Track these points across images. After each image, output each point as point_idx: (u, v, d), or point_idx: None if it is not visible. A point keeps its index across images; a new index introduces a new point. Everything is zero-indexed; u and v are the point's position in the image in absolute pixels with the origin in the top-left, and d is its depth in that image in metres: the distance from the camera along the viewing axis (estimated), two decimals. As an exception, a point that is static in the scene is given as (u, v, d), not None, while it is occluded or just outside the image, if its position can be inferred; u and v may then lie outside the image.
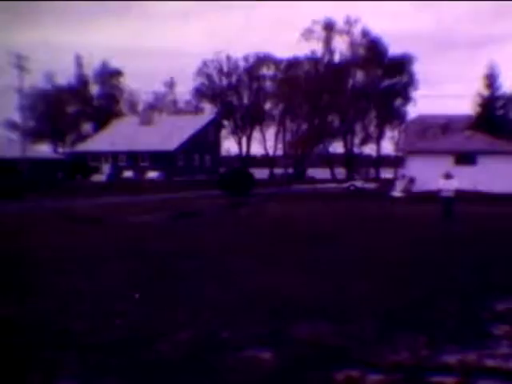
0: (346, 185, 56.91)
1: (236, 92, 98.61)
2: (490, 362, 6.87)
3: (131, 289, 10.46)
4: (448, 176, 25.73)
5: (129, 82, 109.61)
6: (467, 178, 37.56)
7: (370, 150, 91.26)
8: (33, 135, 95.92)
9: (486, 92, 63.96)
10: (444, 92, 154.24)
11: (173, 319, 8.59)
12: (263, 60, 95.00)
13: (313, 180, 76.21)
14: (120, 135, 78.13)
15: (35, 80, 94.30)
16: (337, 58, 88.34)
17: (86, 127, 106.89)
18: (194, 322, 8.40)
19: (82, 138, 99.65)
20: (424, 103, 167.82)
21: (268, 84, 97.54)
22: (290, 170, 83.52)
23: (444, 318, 8.68)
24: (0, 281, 11.43)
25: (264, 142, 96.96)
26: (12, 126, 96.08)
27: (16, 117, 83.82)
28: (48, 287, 10.83)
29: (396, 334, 7.84)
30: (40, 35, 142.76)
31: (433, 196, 29.30)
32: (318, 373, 6.47)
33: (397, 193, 46.98)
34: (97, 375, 6.42)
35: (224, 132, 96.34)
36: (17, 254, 14.77)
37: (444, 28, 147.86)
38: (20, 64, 53.34)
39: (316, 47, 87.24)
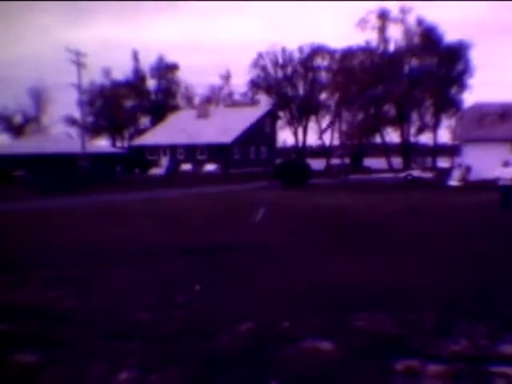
0: (402, 174, 56.38)
1: (291, 83, 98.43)
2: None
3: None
4: (506, 164, 25.35)
5: (185, 76, 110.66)
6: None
7: (426, 138, 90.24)
8: (91, 130, 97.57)
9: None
10: (501, 79, 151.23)
11: (233, 310, 8.74)
12: (318, 51, 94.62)
13: (369, 170, 75.70)
14: (177, 128, 78.73)
15: (93, 76, 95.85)
16: (392, 47, 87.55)
17: (144, 121, 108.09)
18: (254, 313, 8.54)
19: (140, 132, 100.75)
20: (481, 91, 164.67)
21: (323, 75, 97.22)
22: (347, 161, 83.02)
23: (503, 308, 8.66)
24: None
25: (320, 133, 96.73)
26: (71, 121, 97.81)
27: (75, 112, 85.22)
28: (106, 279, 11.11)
29: (455, 324, 7.86)
30: (97, 32, 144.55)
31: (490, 185, 28.93)
32: (378, 363, 6.54)
33: (454, 182, 46.47)
34: (159, 366, 6.56)
35: (280, 123, 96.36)
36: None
37: (501, 14, 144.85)
38: (78, 60, 54.10)
39: (370, 37, 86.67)
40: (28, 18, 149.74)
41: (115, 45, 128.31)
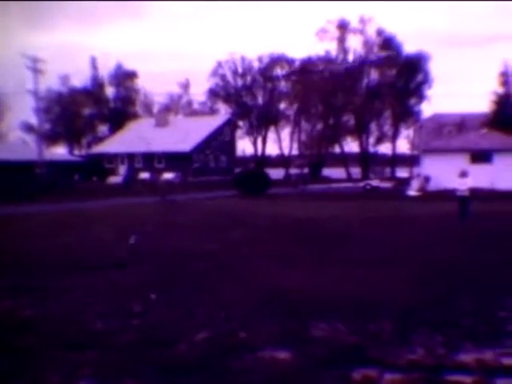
0: (361, 184, 56.81)
1: (250, 92, 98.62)
2: (507, 361, 6.89)
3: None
4: (463, 174, 25.62)
5: (144, 84, 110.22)
6: (484, 177, 37.51)
7: (385, 148, 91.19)
8: (49, 137, 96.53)
9: (500, 90, 63.75)
10: (458, 90, 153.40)
11: (190, 319, 8.66)
12: (277, 60, 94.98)
13: (328, 180, 76.12)
14: (136, 137, 78.39)
15: (51, 82, 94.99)
16: (351, 57, 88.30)
17: (102, 129, 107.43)
18: (211, 322, 8.47)
19: (98, 139, 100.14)
20: (439, 102, 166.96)
21: (282, 84, 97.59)
22: (306, 170, 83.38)
23: (460, 317, 8.70)
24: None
25: (279, 142, 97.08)
26: (28, 128, 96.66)
27: (32, 119, 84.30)
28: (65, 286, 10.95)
29: (412, 333, 7.87)
30: (55, 37, 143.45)
31: (449, 195, 29.21)
32: (335, 372, 6.51)
33: (412, 192, 46.90)
34: (115, 376, 6.48)
35: (239, 132, 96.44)
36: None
37: (458, 25, 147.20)
38: (35, 66, 53.52)
39: (330, 47, 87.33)
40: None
41: (73, 51, 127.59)
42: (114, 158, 79.36)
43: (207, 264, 13.41)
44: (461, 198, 24.89)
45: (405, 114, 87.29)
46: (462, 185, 25.04)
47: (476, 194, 25.82)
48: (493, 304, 9.51)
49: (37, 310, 9.35)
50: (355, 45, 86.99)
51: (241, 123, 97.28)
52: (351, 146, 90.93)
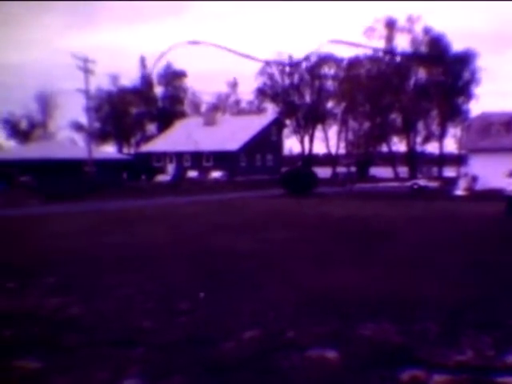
0: (409, 183, 56.29)
1: (298, 91, 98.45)
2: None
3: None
4: (512, 174, 25.31)
5: (192, 83, 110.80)
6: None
7: (432, 148, 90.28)
8: (98, 137, 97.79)
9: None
10: (508, 88, 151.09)
11: (237, 318, 8.73)
12: (324, 59, 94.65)
13: (375, 179, 75.67)
14: (184, 136, 78.85)
15: (100, 82, 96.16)
16: (398, 57, 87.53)
17: (151, 128, 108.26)
18: (259, 321, 8.54)
19: (147, 138, 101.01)
20: (487, 100, 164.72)
21: (329, 83, 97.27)
22: (353, 169, 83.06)
23: (507, 318, 8.64)
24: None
25: (326, 141, 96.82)
26: (78, 127, 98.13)
27: (82, 118, 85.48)
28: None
29: (460, 334, 7.84)
30: (105, 37, 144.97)
31: (496, 194, 28.87)
32: (383, 372, 6.52)
33: (460, 191, 46.41)
34: (163, 374, 6.55)
35: (286, 131, 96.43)
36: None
37: (507, 23, 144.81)
38: (86, 66, 54.17)
39: (377, 46, 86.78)
40: (36, 22, 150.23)
41: (123, 51, 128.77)
42: (162, 156, 79.90)
43: (254, 263, 13.48)
44: (509, 197, 24.59)
45: (452, 112, 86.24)
46: (511, 185, 24.75)
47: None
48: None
49: (84, 307, 9.51)
50: (403, 44, 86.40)
51: (288, 122, 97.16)
52: (398, 145, 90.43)
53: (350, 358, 6.93)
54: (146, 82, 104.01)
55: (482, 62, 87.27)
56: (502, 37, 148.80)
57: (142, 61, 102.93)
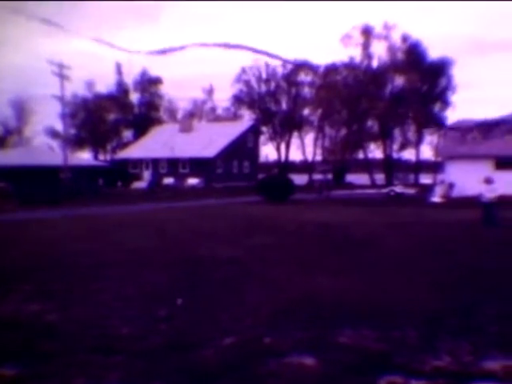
0: (385, 190, 56.55)
1: (274, 98, 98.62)
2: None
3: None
4: (489, 181, 25.47)
5: (168, 90, 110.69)
6: (508, 183, 37.18)
7: (409, 155, 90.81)
8: (74, 143, 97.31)
9: (527, 96, 63.36)
10: (484, 96, 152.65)
11: (215, 324, 8.72)
12: (301, 66, 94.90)
13: (352, 186, 75.97)
14: (160, 142, 78.74)
15: (76, 88, 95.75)
16: (375, 63, 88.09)
17: (127, 134, 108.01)
18: (237, 328, 8.52)
19: (123, 145, 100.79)
20: (463, 108, 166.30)
21: (306, 90, 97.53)
22: (329, 176, 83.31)
23: (485, 324, 8.69)
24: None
25: (303, 148, 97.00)
26: (53, 133, 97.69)
27: (57, 125, 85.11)
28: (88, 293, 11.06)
29: (438, 340, 7.88)
30: (80, 43, 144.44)
31: (473, 201, 29.02)
32: (361, 378, 6.53)
33: (436, 198, 46.65)
34: (142, 381, 6.54)
35: (263, 138, 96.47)
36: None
37: (483, 30, 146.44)
38: (61, 72, 53.88)
39: (354, 53, 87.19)
40: (10, 26, 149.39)
41: (99, 57, 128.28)
42: (138, 163, 79.77)
43: (232, 270, 13.47)
44: (485, 204, 24.76)
45: (429, 119, 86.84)
46: (488, 191, 24.90)
47: (500, 201, 25.61)
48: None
49: (63, 314, 9.45)
50: (379, 51, 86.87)
51: (264, 129, 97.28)
52: (375, 152, 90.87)
53: (329, 365, 6.94)
54: (122, 88, 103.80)
55: (459, 69, 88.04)
56: (479, 44, 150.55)
57: (118, 67, 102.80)
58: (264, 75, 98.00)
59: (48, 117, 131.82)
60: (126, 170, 78.83)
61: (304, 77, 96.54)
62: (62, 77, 54.07)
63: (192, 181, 71.83)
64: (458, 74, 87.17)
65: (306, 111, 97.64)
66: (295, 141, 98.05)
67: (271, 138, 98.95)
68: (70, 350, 7.57)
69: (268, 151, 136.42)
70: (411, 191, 56.28)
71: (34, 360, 7.20)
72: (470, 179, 41.66)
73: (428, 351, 7.43)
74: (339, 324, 8.61)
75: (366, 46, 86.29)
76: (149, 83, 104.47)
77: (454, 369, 6.85)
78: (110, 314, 9.39)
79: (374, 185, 77.96)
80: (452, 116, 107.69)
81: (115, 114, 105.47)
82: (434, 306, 9.70)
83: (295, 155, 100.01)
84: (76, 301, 10.41)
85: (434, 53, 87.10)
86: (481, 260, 15.09)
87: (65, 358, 7.28)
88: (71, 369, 6.89)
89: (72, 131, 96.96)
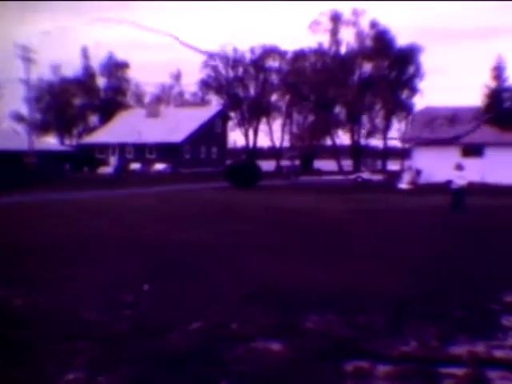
0: (352, 176, 56.76)
1: (242, 84, 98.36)
2: (499, 353, 6.91)
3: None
4: (459, 167, 25.66)
5: (135, 74, 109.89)
6: (475, 170, 37.54)
7: (376, 141, 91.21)
8: (39, 127, 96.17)
9: (493, 84, 63.81)
10: (451, 83, 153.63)
11: (183, 309, 8.66)
12: (269, 52, 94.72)
13: (319, 172, 76.11)
14: (127, 127, 78.17)
15: (42, 72, 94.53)
16: (344, 49, 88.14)
17: (93, 119, 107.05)
18: (204, 313, 8.46)
19: (89, 130, 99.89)
20: (431, 95, 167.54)
21: (274, 76, 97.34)
22: (297, 162, 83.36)
23: (452, 309, 8.72)
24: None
25: (271, 134, 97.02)
26: (19, 118, 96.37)
27: (23, 109, 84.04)
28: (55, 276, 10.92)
29: (405, 325, 7.88)
30: (46, 27, 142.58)
31: (440, 188, 29.26)
32: (327, 364, 6.51)
33: (403, 184, 46.94)
34: (109, 366, 6.47)
35: (230, 124, 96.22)
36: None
37: (452, 18, 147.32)
38: (26, 56, 53.22)
39: (322, 39, 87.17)
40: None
41: (65, 41, 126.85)
42: (104, 148, 79.14)
43: (199, 255, 13.41)
44: (455, 190, 24.94)
45: (397, 106, 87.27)
46: (458, 178, 25.08)
47: (469, 187, 25.85)
48: (484, 297, 9.54)
49: (29, 300, 9.32)
50: (348, 37, 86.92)
51: (232, 114, 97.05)
52: (343, 138, 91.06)
53: (296, 350, 6.92)
54: (89, 72, 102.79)
55: (427, 57, 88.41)
56: (448, 31, 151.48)
57: (84, 51, 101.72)
58: (232, 60, 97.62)
59: (14, 101, 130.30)
60: (93, 155, 78.21)
61: (272, 62, 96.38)
62: (27, 60, 53.42)
63: (159, 166, 71.49)
64: (425, 60, 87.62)
65: (273, 97, 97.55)
66: (263, 127, 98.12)
67: (239, 124, 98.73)
68: (35, 336, 7.47)
69: (236, 137, 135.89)
70: (379, 177, 56.56)
71: (-2, 347, 7.11)
72: (437, 166, 42.07)
73: (395, 336, 7.43)
74: (306, 309, 8.59)
75: (334, 33, 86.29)
76: (115, 67, 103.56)
77: (420, 354, 6.86)
78: (76, 300, 9.28)
79: (341, 171, 78.17)
80: (420, 103, 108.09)
81: (81, 98, 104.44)
82: (401, 292, 9.72)
83: (263, 141, 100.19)
84: (40, 287, 10.28)
85: (402, 40, 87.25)
86: (448, 246, 15.17)
87: (31, 344, 7.18)
88: (37, 356, 6.81)
89: (38, 115, 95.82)
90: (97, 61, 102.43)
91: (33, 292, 9.86)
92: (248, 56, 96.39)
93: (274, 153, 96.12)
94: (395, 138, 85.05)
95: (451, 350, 6.98)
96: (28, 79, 54.76)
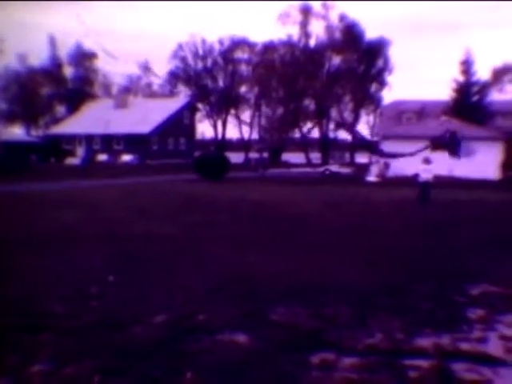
0: (321, 169, 56.89)
1: (211, 75, 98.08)
2: (464, 346, 6.95)
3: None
4: (427, 161, 25.88)
5: (103, 65, 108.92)
6: (442, 164, 37.85)
7: (345, 134, 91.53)
8: (5, 117, 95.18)
9: (461, 78, 64.41)
10: (419, 77, 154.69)
11: (147, 302, 8.60)
12: (238, 44, 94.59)
13: (288, 164, 76.20)
14: (94, 118, 77.57)
15: (8, 61, 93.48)
16: (313, 42, 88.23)
17: (60, 110, 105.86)
18: (169, 305, 8.41)
19: (56, 120, 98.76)
20: (400, 88, 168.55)
21: (243, 68, 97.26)
22: (265, 155, 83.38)
23: (417, 302, 8.76)
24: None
25: (239, 126, 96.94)
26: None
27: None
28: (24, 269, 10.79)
29: (371, 318, 7.90)
30: (12, 15, 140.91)
31: (407, 181, 29.43)
32: (293, 356, 6.50)
33: (372, 178, 47.20)
34: (73, 358, 6.40)
35: (199, 115, 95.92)
36: None
37: (420, 12, 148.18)
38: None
39: (292, 31, 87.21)
40: None
41: (31, 29, 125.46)
42: (72, 139, 78.44)
43: (165, 247, 13.33)
44: (423, 183, 25.14)
45: (365, 99, 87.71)
46: (425, 171, 25.30)
47: (436, 181, 26.09)
48: (449, 290, 9.60)
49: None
50: (318, 30, 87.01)
51: (201, 106, 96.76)
52: (311, 131, 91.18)
53: (261, 342, 6.91)
54: (56, 62, 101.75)
55: (395, 50, 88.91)
56: (417, 24, 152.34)
57: (52, 40, 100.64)
58: (200, 51, 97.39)
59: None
60: (59, 145, 77.42)
61: (241, 54, 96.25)
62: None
63: (126, 157, 71.06)
64: (394, 54, 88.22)
65: (242, 89, 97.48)
66: (232, 119, 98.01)
67: (208, 116, 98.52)
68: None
69: (205, 129, 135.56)
70: (347, 170, 56.76)
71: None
72: (405, 159, 42.32)
73: (360, 329, 7.45)
74: (272, 301, 8.59)
75: (303, 25, 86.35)
76: (83, 57, 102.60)
77: (386, 346, 6.89)
78: (40, 292, 9.18)
79: (309, 164, 78.32)
80: (388, 96, 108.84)
81: (48, 88, 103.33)
82: (367, 285, 9.74)
83: (232, 133, 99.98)
84: (4, 278, 10.13)
85: (370, 34, 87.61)
86: (413, 239, 15.27)
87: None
88: (1, 347, 6.75)
89: (4, 105, 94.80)
90: (64, 50, 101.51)
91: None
92: (217, 47, 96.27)
93: (242, 145, 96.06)
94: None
95: (417, 342, 7.01)
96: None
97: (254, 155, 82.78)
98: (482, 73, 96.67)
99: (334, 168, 56.97)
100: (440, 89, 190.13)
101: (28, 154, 64.18)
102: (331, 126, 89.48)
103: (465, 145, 26.53)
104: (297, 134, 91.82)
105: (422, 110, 62.58)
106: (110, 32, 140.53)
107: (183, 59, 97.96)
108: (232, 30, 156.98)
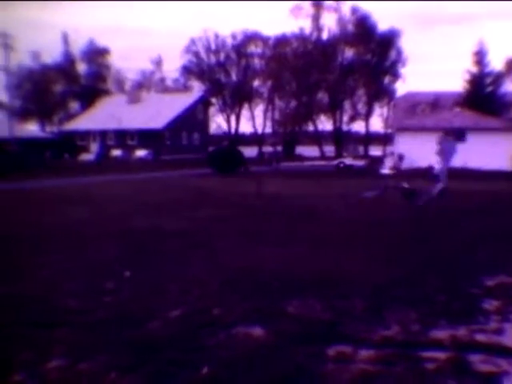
0: (335, 162, 56.74)
1: (224, 70, 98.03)
2: (480, 337, 6.92)
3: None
4: (441, 153, 25.73)
5: (116, 61, 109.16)
6: (457, 155, 37.63)
7: (358, 127, 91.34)
8: (20, 114, 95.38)
9: (474, 69, 63.97)
10: (432, 69, 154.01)
11: (163, 296, 8.61)
12: (251, 37, 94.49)
13: (301, 158, 76.06)
14: (108, 114, 77.68)
15: (22, 59, 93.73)
16: (325, 35, 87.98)
17: (74, 106, 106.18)
18: (185, 300, 8.41)
19: (70, 116, 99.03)
20: (413, 80, 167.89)
21: (256, 62, 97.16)
22: (279, 148, 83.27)
23: (434, 294, 8.72)
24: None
25: (253, 120, 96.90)
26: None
27: (2, 96, 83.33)
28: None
29: (386, 310, 7.87)
30: (26, 13, 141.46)
31: (422, 173, 29.28)
32: (309, 349, 6.48)
33: (386, 170, 47.01)
34: (89, 354, 6.41)
35: (212, 110, 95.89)
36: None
37: (432, 3, 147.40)
38: (6, 43, 52.79)
39: (304, 24, 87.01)
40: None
41: (45, 26, 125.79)
42: (85, 135, 78.66)
43: (181, 242, 13.33)
44: (437, 175, 25.04)
45: (379, 92, 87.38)
46: (439, 163, 25.19)
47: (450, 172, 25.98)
48: (465, 282, 9.55)
49: (8, 288, 9.22)
50: (330, 23, 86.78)
51: (214, 100, 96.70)
52: (325, 124, 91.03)
53: (277, 335, 6.89)
54: (69, 58, 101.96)
55: (409, 42, 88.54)
56: (430, 16, 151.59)
57: (65, 37, 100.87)
58: (213, 46, 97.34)
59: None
60: (74, 142, 77.70)
61: (254, 48, 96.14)
62: (7, 47, 52.95)
63: (140, 153, 71.14)
64: (407, 47, 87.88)
65: (255, 83, 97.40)
66: (245, 113, 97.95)
67: (221, 110, 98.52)
68: (15, 323, 7.42)
69: (218, 123, 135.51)
70: (361, 163, 56.55)
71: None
72: (419, 151, 42.16)
73: (376, 321, 7.42)
74: (287, 294, 8.57)
75: (316, 18, 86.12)
76: (96, 54, 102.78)
77: (402, 338, 6.85)
78: (57, 288, 9.20)
79: (323, 157, 78.20)
80: (402, 88, 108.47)
81: (62, 85, 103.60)
82: (381, 277, 9.70)
83: (245, 127, 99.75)
84: (20, 275, 10.17)
85: (383, 26, 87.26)
86: (427, 230, 15.20)
87: (10, 331, 7.14)
88: (17, 343, 6.76)
89: (18, 103, 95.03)
90: (77, 47, 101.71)
91: (13, 280, 9.76)
92: (229, 41, 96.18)
93: (256, 139, 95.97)
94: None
95: (433, 334, 6.98)
96: (7, 66, 54.20)
97: (267, 149, 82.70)
98: (496, 63, 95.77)
99: (348, 161, 56.79)
100: (454, 80, 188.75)
101: (43, 150, 64.38)
102: (345, 118, 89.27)
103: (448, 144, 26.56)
104: (310, 127, 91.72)
105: (436, 102, 62.22)
106: (124, 28, 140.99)
107: (196, 54, 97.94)
108: (244, 24, 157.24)
